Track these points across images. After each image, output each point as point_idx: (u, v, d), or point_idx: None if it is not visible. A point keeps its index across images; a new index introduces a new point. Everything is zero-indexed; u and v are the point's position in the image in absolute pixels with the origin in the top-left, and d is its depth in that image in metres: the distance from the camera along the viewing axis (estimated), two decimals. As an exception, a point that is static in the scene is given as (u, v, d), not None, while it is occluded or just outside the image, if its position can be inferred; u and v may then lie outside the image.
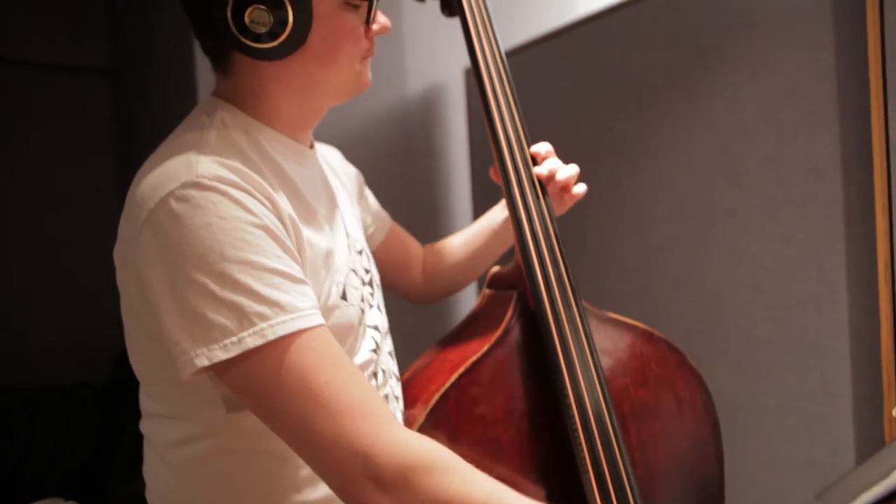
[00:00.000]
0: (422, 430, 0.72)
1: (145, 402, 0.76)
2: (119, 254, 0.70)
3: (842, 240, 1.25)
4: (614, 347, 0.82)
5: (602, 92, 1.65)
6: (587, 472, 0.73)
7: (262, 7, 0.68)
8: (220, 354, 0.60)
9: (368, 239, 1.03)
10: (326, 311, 0.68)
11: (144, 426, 0.76)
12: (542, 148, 0.90)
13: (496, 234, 1.05)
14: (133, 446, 1.90)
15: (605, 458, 0.74)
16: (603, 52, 1.64)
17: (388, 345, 0.81)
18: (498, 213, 1.09)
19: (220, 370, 0.62)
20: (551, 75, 1.74)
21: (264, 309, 0.60)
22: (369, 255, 0.86)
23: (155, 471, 0.74)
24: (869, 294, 1.21)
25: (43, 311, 2.29)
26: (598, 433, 0.75)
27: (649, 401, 0.85)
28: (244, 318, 0.60)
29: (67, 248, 2.34)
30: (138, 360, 0.73)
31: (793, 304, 1.33)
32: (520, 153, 0.84)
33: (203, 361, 0.60)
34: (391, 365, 0.81)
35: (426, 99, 2.03)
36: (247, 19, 0.68)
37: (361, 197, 1.02)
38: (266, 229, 0.63)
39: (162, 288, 0.62)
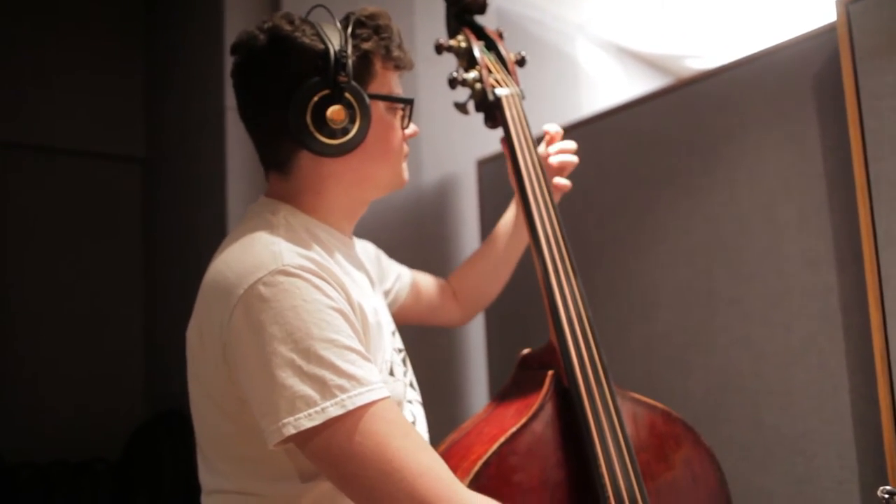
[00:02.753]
0: (465, 496, 0.77)
1: (208, 479, 0.79)
2: (197, 336, 0.76)
3: (839, 329, 1.32)
4: (636, 425, 0.88)
5: (607, 186, 1.76)
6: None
7: (341, 106, 0.79)
8: (306, 423, 0.65)
9: (397, 296, 1.13)
10: None
11: (207, 501, 0.80)
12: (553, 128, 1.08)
13: (512, 237, 1.19)
14: (147, 523, 1.89)
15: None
16: (607, 149, 1.76)
17: (423, 417, 0.87)
18: (508, 217, 1.22)
19: (303, 439, 0.66)
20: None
21: (344, 382, 0.67)
22: (398, 335, 0.94)
23: None
24: (868, 381, 1.27)
25: (61, 387, 2.31)
26: (629, 501, 0.79)
27: (668, 477, 0.89)
28: (327, 391, 0.66)
29: (90, 329, 2.39)
30: (209, 439, 0.77)
31: (795, 390, 1.39)
32: (555, 242, 0.93)
33: (290, 430, 0.65)
34: (426, 435, 0.86)
35: (440, 188, 2.14)
36: (328, 116, 0.78)
37: (380, 268, 1.11)
38: (342, 312, 0.70)
39: (252, 364, 0.68)
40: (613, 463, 0.80)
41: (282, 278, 0.69)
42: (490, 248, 1.20)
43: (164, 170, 2.42)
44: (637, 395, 0.94)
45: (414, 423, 0.83)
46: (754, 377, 1.44)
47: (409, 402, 0.84)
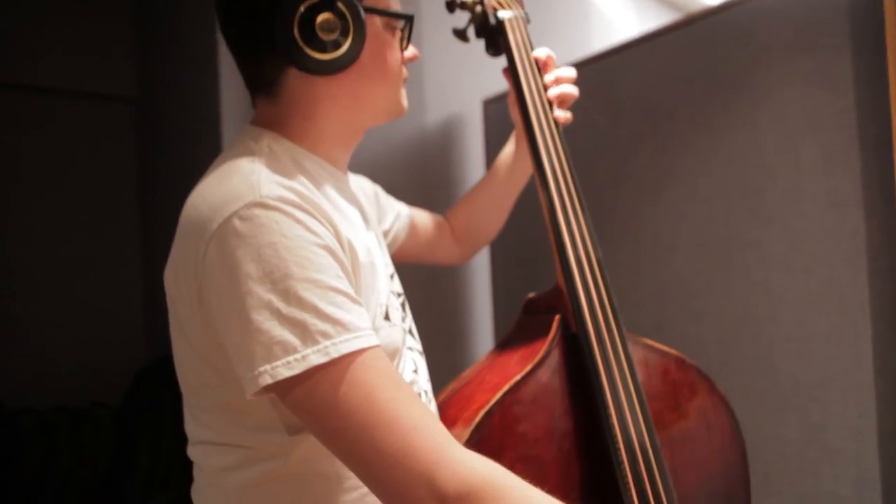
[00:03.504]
0: (465, 447, 0.72)
1: (194, 429, 0.74)
2: (173, 277, 0.69)
3: (863, 273, 1.26)
4: (648, 372, 0.83)
5: (621, 125, 1.67)
6: (629, 491, 0.73)
7: (332, 15, 0.70)
8: (284, 372, 0.59)
9: (396, 236, 1.07)
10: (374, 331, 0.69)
11: (193, 452, 0.75)
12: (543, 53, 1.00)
13: (513, 170, 1.11)
14: (149, 468, 1.89)
15: (648, 478, 0.73)
16: (621, 86, 1.67)
17: (424, 367, 0.82)
18: (508, 150, 1.14)
19: (282, 389, 0.60)
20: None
21: (327, 327, 0.60)
22: (398, 278, 0.88)
23: (206, 495, 0.73)
24: (892, 327, 1.22)
25: (61, 333, 2.29)
26: (641, 454, 0.75)
27: (681, 426, 0.85)
28: (308, 336, 0.59)
29: (88, 272, 2.35)
30: (191, 388, 0.72)
31: (815, 336, 1.33)
32: (562, 176, 0.86)
33: (266, 380, 0.59)
34: (429, 387, 0.81)
35: (444, 129, 2.06)
36: (317, 26, 0.70)
37: (378, 207, 1.04)
38: (328, 249, 0.63)
39: (226, 307, 0.62)
40: (624, 412, 0.76)
41: (259, 211, 0.62)
42: (489, 183, 1.13)
43: (156, 109, 2.34)
44: (649, 341, 0.88)
45: (415, 372, 0.77)
46: (771, 323, 1.39)
47: (409, 349, 0.79)
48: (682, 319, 1.53)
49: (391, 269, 0.85)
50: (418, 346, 0.82)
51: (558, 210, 0.83)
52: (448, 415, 0.79)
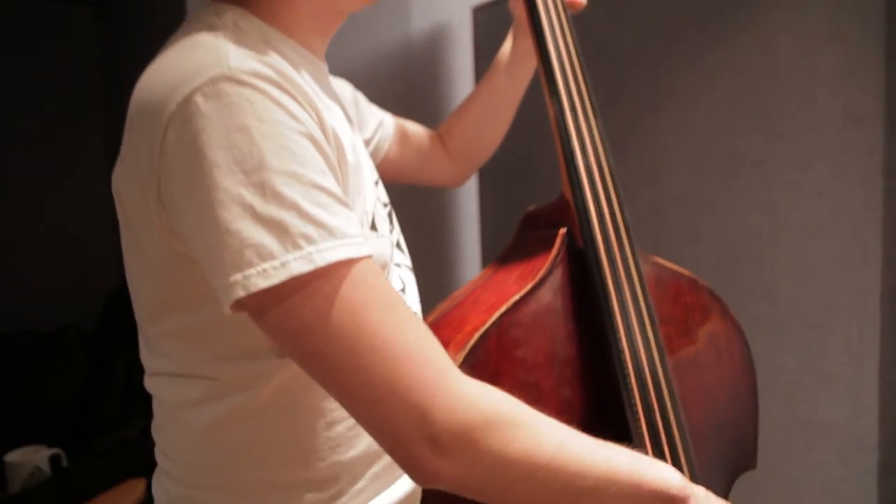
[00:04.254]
0: (458, 373, 0.65)
1: (150, 359, 0.64)
2: (123, 177, 0.58)
3: (879, 193, 1.18)
4: (658, 294, 0.75)
5: (620, 32, 1.55)
6: (638, 423, 0.67)
7: None
8: (259, 282, 0.49)
9: (378, 147, 0.95)
10: None
11: (151, 385, 0.65)
12: None
13: (514, 70, 0.97)
14: (123, 393, 1.83)
15: (658, 408, 0.67)
16: (625, -10, 1.54)
17: (413, 285, 0.73)
18: (507, 48, 0.99)
19: (257, 304, 0.50)
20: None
21: (311, 230, 0.49)
22: (384, 188, 0.77)
23: (167, 433, 0.64)
24: (905, 251, 1.15)
25: (28, 254, 2.18)
26: (652, 382, 0.68)
27: (690, 352, 0.78)
28: (288, 240, 0.49)
29: (53, 190, 2.22)
30: (148, 311, 0.61)
31: (820, 260, 1.27)
32: (572, 73, 0.75)
33: (238, 292, 0.49)
34: (418, 308, 0.72)
35: (431, 39, 1.91)
36: None
37: (358, 112, 0.92)
38: (311, 139, 0.51)
39: (190, 205, 0.51)
40: (635, 336, 0.68)
41: (228, 87, 0.49)
42: (487, 88, 0.99)
43: (119, 13, 2.16)
44: (659, 260, 0.80)
45: (403, 290, 0.68)
46: (773, 246, 1.32)
47: (397, 265, 0.69)
48: (679, 240, 1.46)
49: (376, 175, 0.74)
50: (407, 261, 0.73)
51: (567, 111, 0.72)
52: (438, 337, 0.71)
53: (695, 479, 0.70)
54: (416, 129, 1.02)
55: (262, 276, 0.48)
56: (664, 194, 1.48)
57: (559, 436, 0.54)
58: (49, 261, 2.20)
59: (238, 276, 0.49)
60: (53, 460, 1.58)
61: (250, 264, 0.49)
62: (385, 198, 0.74)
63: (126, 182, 0.57)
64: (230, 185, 0.48)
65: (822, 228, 1.25)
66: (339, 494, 0.60)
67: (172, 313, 0.58)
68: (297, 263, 0.49)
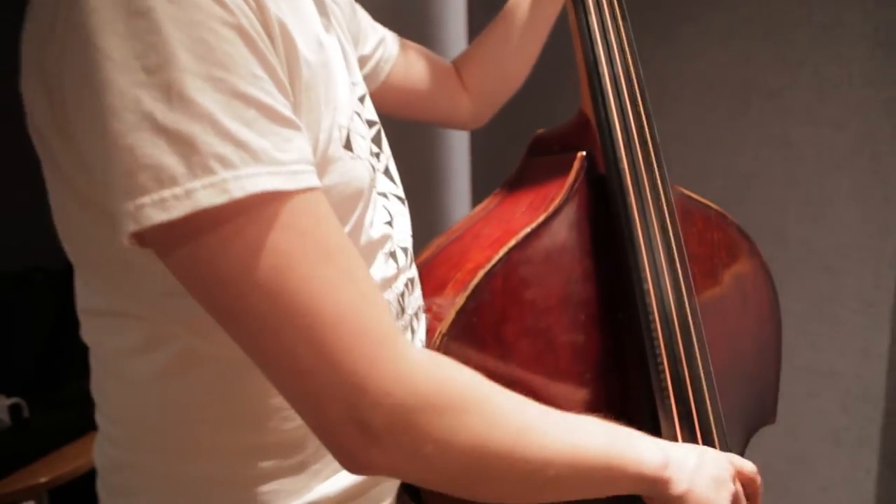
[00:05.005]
0: (459, 317, 0.55)
1: (83, 295, 0.53)
2: (25, 79, 0.45)
3: (905, 125, 1.10)
4: (684, 228, 0.65)
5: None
6: (662, 373, 0.58)
7: None
8: (154, 214, 0.37)
9: (378, 68, 0.79)
10: (324, 162, 0.46)
11: (86, 330, 0.53)
12: None
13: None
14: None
15: (685, 356, 0.59)
16: None
17: (405, 217, 0.62)
18: None
19: (157, 241, 0.39)
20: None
21: (227, 151, 0.37)
22: (372, 106, 0.64)
23: (105, 389, 0.52)
24: (932, 188, 1.07)
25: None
26: (680, 328, 0.59)
27: (716, 295, 0.70)
28: (196, 161, 0.37)
29: (12, 119, 2.05)
30: (70, 237, 0.49)
31: (836, 199, 1.19)
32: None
33: (129, 225, 0.37)
34: (409, 243, 0.61)
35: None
36: None
37: (356, 22, 0.76)
38: (242, 33, 0.39)
39: (80, 112, 0.39)
40: (662, 277, 0.59)
41: None
42: (515, 10, 0.82)
43: None
44: (686, 191, 0.70)
45: (389, 224, 0.56)
46: (786, 184, 1.23)
47: (382, 195, 0.58)
48: (683, 178, 1.35)
49: (363, 89, 0.61)
50: (397, 190, 0.61)
51: (591, 9, 0.61)
52: (435, 276, 0.62)
53: (723, 441, 0.63)
54: (427, 55, 0.85)
55: (160, 208, 0.36)
56: (668, 128, 1.37)
57: (519, 422, 0.45)
58: (12, 195, 2.05)
59: (129, 205, 0.37)
60: (13, 410, 1.50)
61: (145, 190, 0.36)
62: (372, 115, 0.61)
63: (28, 84, 0.45)
64: (125, 85, 0.35)
65: (841, 165, 1.16)
66: (304, 463, 0.50)
67: (92, 237, 0.46)
68: (206, 193, 0.36)
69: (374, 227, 0.51)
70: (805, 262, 1.22)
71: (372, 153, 0.56)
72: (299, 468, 0.49)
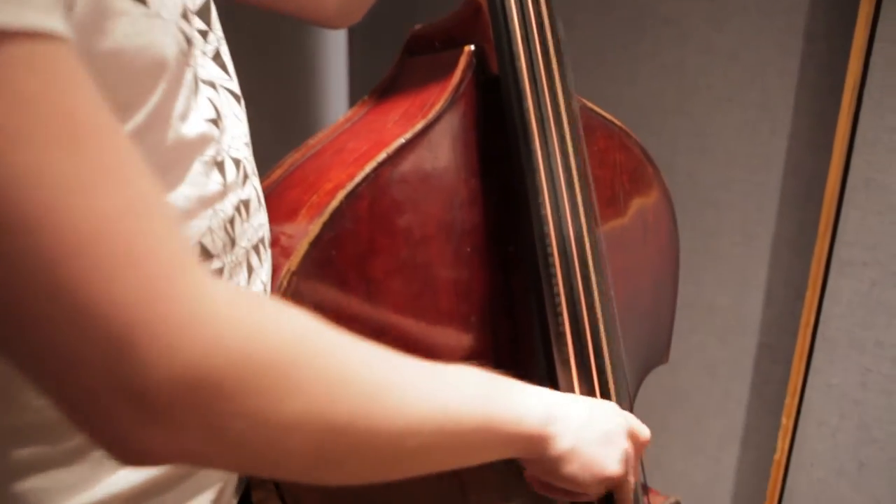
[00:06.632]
0: (312, 250, 0.42)
1: None
2: None
3: (796, 58, 1.05)
4: (586, 148, 0.56)
5: None
6: (560, 315, 0.48)
7: None
8: None
9: None
10: (99, 15, 0.29)
11: None
12: None
13: None
14: None
15: (585, 295, 0.49)
16: None
17: (239, 115, 0.46)
18: None
19: None
20: None
21: None
22: None
23: None
24: (819, 125, 1.04)
25: None
26: (579, 262, 0.49)
27: (616, 225, 0.61)
28: None
29: None
30: None
31: (723, 131, 1.15)
32: None
33: None
34: (245, 154, 0.46)
35: None
36: None
37: None
38: None
39: None
40: (562, 202, 0.49)
41: None
42: None
43: None
44: (587, 102, 0.60)
45: (215, 122, 0.40)
46: (678, 115, 1.17)
47: (209, 84, 0.42)
48: (575, 108, 1.28)
49: None
50: (232, 84, 0.46)
51: None
52: (286, 201, 0.48)
53: (624, 390, 0.54)
54: None
55: None
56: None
57: (370, 383, 0.33)
58: None
59: None
60: None
61: None
62: None
63: None
64: None
65: (733, 97, 1.11)
66: (82, 450, 0.36)
67: None
68: None
69: (190, 122, 0.36)
70: (691, 197, 1.18)
71: (189, 20, 0.40)
72: (74, 456, 0.35)
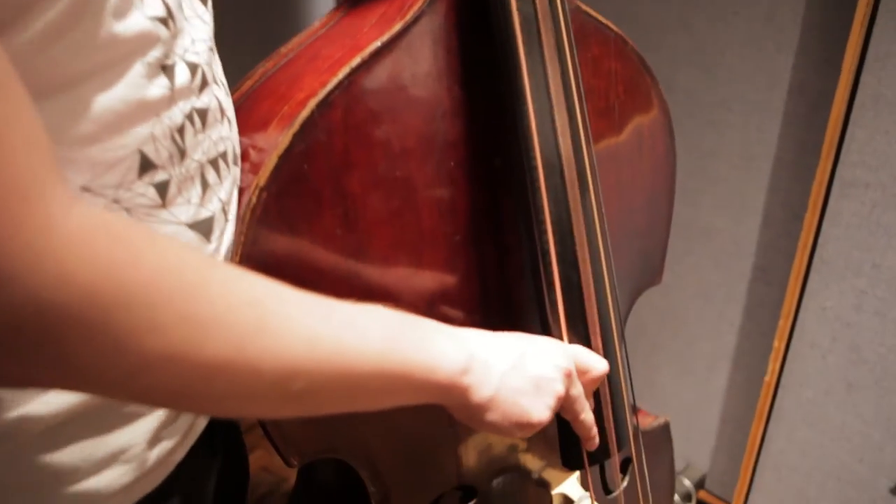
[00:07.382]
0: (282, 164, 0.39)
1: None
2: None
3: None
4: (578, 55, 0.51)
5: None
6: (545, 234, 0.45)
7: None
8: None
9: None
10: None
11: None
12: None
13: None
14: None
15: (573, 207, 0.46)
16: None
17: (202, 22, 0.41)
18: None
19: None
20: None
21: None
22: None
23: None
24: (828, 39, 0.98)
25: None
26: (567, 172, 0.45)
27: (609, 137, 0.57)
28: None
29: None
30: None
31: (727, 48, 1.09)
32: None
33: None
34: (211, 60, 0.41)
35: None
36: None
37: None
38: None
39: None
40: (553, 112, 0.45)
41: None
42: None
43: None
44: (581, 4, 0.55)
45: (164, 22, 0.36)
46: (680, 31, 1.11)
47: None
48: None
49: None
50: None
51: None
52: (256, 113, 0.45)
53: (608, 323, 0.52)
54: None
55: None
56: None
57: (242, 324, 0.30)
58: None
59: None
60: None
61: None
62: None
63: None
64: None
65: (739, 11, 1.05)
66: (22, 421, 0.33)
67: None
68: None
69: (127, 19, 0.32)
70: (690, 115, 1.14)
71: None
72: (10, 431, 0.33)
